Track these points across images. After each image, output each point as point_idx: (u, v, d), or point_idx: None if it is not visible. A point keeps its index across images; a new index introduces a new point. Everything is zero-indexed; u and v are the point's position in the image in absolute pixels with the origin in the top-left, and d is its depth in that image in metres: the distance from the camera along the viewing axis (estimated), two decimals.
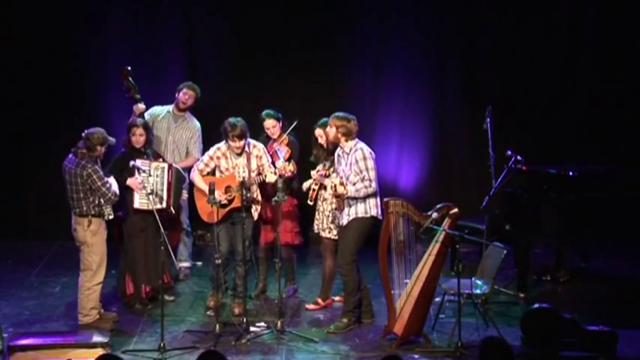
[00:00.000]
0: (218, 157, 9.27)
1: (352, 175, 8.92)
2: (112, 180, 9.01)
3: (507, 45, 11.55)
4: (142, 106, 9.77)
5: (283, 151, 9.45)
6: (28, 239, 11.55)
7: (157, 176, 9.26)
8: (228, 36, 11.53)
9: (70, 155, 8.93)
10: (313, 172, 9.27)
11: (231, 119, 9.17)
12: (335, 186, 8.92)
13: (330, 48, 11.52)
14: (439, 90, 11.70)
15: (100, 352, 7.80)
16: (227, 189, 9.18)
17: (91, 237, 8.91)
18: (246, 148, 9.22)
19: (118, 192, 8.93)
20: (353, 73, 11.60)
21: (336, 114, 9.05)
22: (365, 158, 8.89)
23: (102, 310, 9.14)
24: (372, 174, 8.89)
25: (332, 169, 9.24)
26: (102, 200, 8.82)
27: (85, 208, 8.85)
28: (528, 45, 11.53)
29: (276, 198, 8.98)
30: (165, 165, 9.34)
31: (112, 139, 9.02)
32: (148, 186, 9.13)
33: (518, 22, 11.51)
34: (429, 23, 11.57)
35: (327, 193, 9.15)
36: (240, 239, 9.14)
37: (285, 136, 9.61)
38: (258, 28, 11.46)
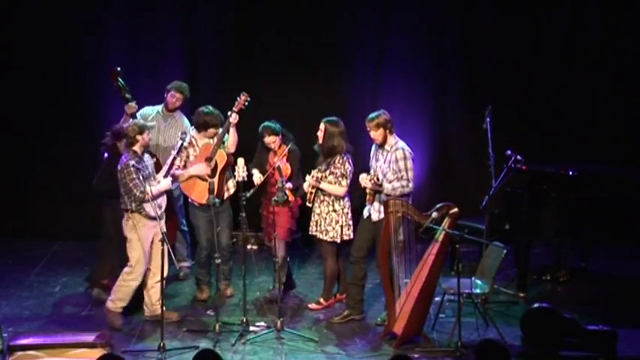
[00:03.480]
0: (186, 148, 9.54)
1: (390, 173, 8.93)
2: (163, 183, 9.02)
3: (507, 45, 11.55)
4: (133, 105, 9.81)
5: (284, 168, 9.39)
6: (28, 239, 11.55)
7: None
8: (228, 36, 11.53)
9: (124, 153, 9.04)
10: (308, 177, 9.26)
11: (205, 108, 9.57)
12: (377, 177, 8.89)
13: (331, 47, 11.52)
14: (439, 90, 11.70)
15: (100, 351, 7.79)
16: (208, 161, 9.47)
17: (130, 232, 8.94)
18: None
19: (152, 192, 8.79)
20: (353, 72, 11.59)
21: (370, 116, 8.98)
22: (405, 158, 8.90)
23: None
24: (411, 174, 8.91)
25: (327, 172, 9.23)
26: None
27: (127, 202, 8.89)
28: (528, 45, 11.53)
29: (276, 198, 9.00)
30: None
31: (150, 124, 9.24)
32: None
33: (518, 22, 11.51)
34: (430, 23, 11.57)
35: (367, 182, 8.97)
36: (223, 231, 9.52)
37: (285, 150, 9.53)
38: (258, 27, 11.46)
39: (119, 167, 8.87)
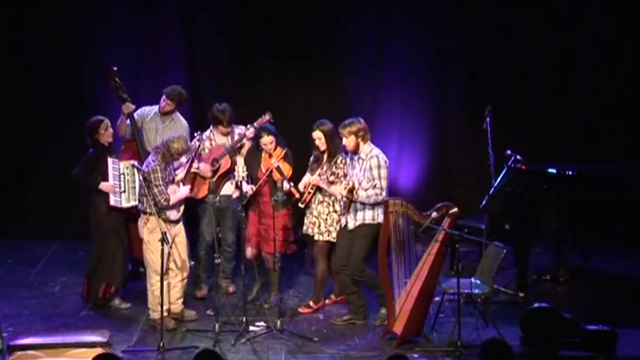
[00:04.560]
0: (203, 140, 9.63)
1: (365, 182, 8.91)
2: (182, 190, 9.03)
3: (507, 44, 11.55)
4: (131, 105, 9.82)
5: (284, 168, 9.35)
6: (28, 239, 11.54)
7: (128, 174, 9.36)
8: (228, 35, 11.52)
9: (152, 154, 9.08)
10: (315, 177, 9.23)
11: (219, 105, 9.62)
12: (353, 186, 8.88)
13: (330, 48, 11.52)
14: (439, 90, 11.70)
15: (99, 351, 7.79)
16: (213, 162, 9.50)
17: (148, 234, 8.93)
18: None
19: (171, 200, 8.87)
20: (353, 73, 11.59)
21: (345, 123, 8.94)
22: (379, 167, 8.88)
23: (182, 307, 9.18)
24: (384, 183, 8.89)
25: (329, 173, 9.22)
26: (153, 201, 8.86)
27: (145, 205, 8.88)
28: (528, 44, 11.52)
29: (275, 197, 8.99)
30: (135, 162, 9.37)
31: (194, 147, 9.31)
32: (122, 184, 9.33)
33: (518, 22, 11.50)
34: (429, 23, 11.56)
35: (344, 191, 8.98)
36: (227, 228, 9.64)
37: (282, 153, 9.48)
38: (258, 27, 11.46)
39: (145, 170, 8.85)
